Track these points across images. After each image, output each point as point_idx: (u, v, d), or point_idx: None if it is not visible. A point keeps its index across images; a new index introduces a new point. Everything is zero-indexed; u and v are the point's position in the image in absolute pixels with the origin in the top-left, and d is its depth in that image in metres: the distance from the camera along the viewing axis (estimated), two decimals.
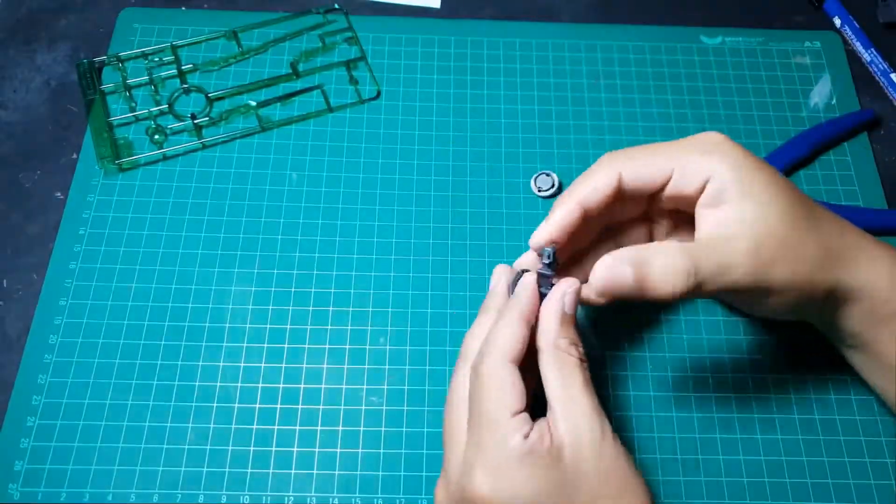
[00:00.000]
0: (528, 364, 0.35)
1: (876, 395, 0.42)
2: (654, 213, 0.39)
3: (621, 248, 0.34)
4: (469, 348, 0.35)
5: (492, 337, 0.34)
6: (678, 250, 0.33)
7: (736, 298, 0.40)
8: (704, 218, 0.35)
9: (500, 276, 0.37)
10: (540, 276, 0.36)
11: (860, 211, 0.48)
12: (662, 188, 0.36)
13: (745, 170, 0.34)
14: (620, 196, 0.36)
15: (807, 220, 0.34)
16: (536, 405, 0.34)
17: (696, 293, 0.33)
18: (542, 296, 0.35)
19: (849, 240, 0.36)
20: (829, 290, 0.35)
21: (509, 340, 0.33)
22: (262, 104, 0.51)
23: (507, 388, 0.32)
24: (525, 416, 0.32)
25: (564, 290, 0.34)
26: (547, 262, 0.36)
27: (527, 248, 0.47)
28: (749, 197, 0.33)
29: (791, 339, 0.44)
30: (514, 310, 0.34)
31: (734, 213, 0.34)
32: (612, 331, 0.45)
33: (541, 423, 0.33)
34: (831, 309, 0.37)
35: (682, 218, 0.39)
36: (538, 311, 0.35)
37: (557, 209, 0.36)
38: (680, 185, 0.35)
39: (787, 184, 0.35)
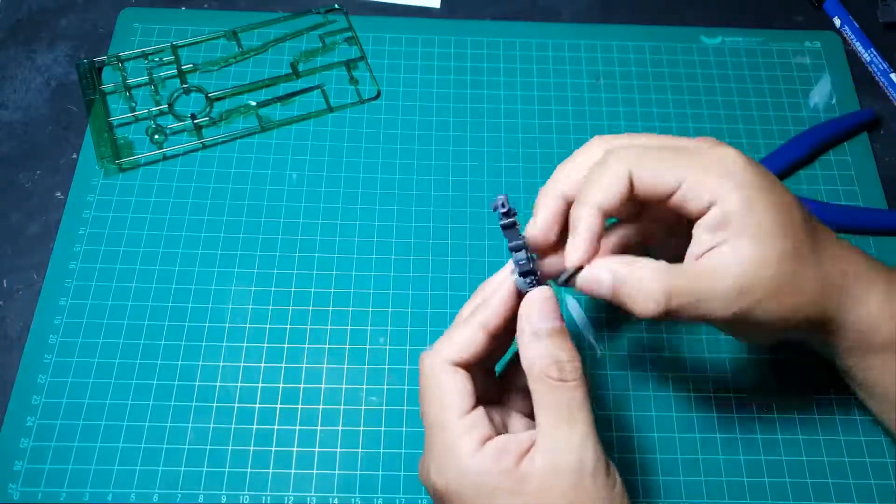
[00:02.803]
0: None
1: (874, 418, 0.41)
2: (652, 213, 0.37)
3: (610, 257, 0.33)
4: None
5: (444, 337, 0.33)
6: (657, 274, 0.32)
7: (717, 326, 0.36)
8: (699, 240, 0.33)
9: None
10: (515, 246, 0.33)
11: (860, 211, 0.48)
12: (665, 198, 0.33)
13: (753, 200, 0.32)
14: (631, 198, 0.33)
15: (807, 255, 0.33)
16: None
17: (672, 318, 0.32)
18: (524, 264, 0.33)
19: (847, 269, 0.34)
20: (816, 323, 0.34)
21: (456, 344, 0.32)
22: (262, 104, 0.51)
23: (448, 390, 0.31)
24: (475, 415, 0.31)
25: (533, 301, 0.32)
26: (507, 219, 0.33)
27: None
28: (749, 232, 0.32)
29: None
30: (476, 314, 0.33)
31: (730, 246, 0.32)
32: (610, 331, 0.45)
33: (521, 437, 0.31)
34: (818, 340, 0.36)
35: (681, 223, 0.36)
36: (510, 313, 0.32)
37: (580, 222, 0.33)
38: (684, 199, 0.32)
39: (794, 213, 0.33)
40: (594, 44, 0.55)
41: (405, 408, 0.42)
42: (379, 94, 0.52)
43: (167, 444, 0.41)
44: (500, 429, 0.33)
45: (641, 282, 0.32)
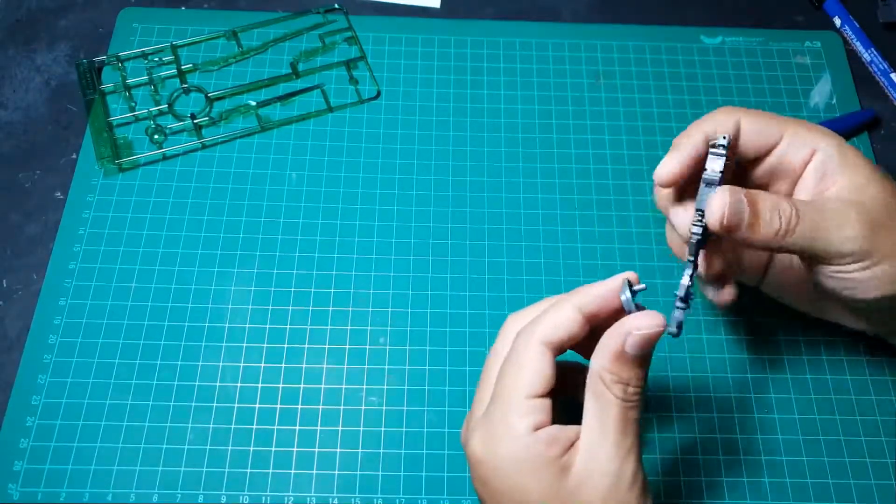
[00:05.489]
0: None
1: None
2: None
3: (730, 186, 0.34)
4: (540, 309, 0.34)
5: (542, 315, 0.33)
6: (786, 199, 0.34)
7: (836, 283, 0.36)
8: (807, 191, 0.36)
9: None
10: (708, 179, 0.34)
11: None
12: (768, 153, 0.37)
13: (845, 147, 0.35)
14: (734, 147, 0.36)
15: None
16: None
17: (800, 249, 0.34)
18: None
19: None
20: None
21: (552, 325, 0.32)
22: (261, 104, 0.51)
23: (528, 369, 0.31)
24: (541, 402, 0.31)
25: (630, 327, 0.31)
26: (723, 151, 0.34)
27: (525, 247, 0.47)
28: (855, 168, 0.35)
29: (791, 338, 0.44)
30: (572, 298, 0.32)
31: (843, 181, 0.35)
32: None
33: (568, 430, 0.31)
34: None
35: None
36: (604, 311, 0.32)
37: (683, 140, 0.36)
38: (788, 152, 0.36)
39: (880, 171, 0.36)
40: (594, 44, 0.55)
41: (405, 408, 0.42)
42: (379, 94, 0.52)
43: (167, 445, 0.41)
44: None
45: (773, 201, 0.34)
